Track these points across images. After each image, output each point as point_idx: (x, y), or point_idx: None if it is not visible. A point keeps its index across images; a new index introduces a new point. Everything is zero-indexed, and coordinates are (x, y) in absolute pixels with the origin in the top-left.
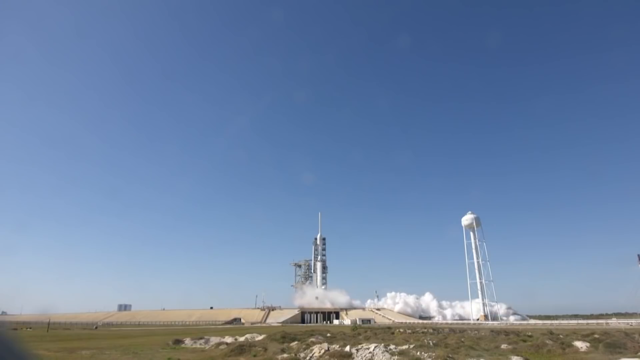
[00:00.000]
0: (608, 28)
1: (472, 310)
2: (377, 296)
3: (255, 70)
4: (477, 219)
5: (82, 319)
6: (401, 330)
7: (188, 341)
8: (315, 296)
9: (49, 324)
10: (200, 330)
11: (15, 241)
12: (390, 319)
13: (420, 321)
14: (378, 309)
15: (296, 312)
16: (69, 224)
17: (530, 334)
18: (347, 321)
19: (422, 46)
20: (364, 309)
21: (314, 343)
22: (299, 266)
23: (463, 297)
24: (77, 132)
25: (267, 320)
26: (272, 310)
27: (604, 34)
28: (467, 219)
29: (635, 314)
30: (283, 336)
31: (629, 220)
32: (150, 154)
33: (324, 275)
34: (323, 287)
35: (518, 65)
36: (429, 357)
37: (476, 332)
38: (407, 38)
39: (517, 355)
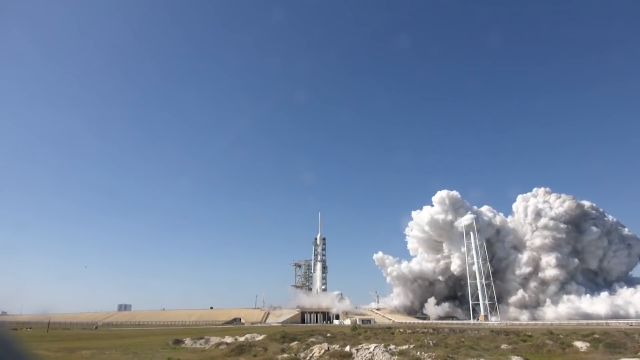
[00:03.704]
0: (609, 27)
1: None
2: (377, 296)
3: (255, 69)
4: (477, 219)
5: (82, 319)
6: (401, 330)
7: (188, 341)
8: (304, 300)
9: (49, 324)
10: (200, 330)
11: (15, 241)
12: (390, 319)
13: (421, 321)
14: (378, 309)
15: (296, 312)
16: (69, 224)
17: (530, 334)
18: (347, 321)
19: (422, 45)
20: (364, 309)
21: (314, 343)
22: (299, 266)
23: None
24: (77, 132)
25: (267, 320)
26: (272, 310)
27: (604, 33)
28: (467, 219)
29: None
30: (283, 336)
31: (629, 219)
32: (151, 154)
33: (324, 275)
34: (323, 287)
35: (519, 64)
36: (429, 357)
37: (476, 332)
38: (407, 37)
39: (517, 355)
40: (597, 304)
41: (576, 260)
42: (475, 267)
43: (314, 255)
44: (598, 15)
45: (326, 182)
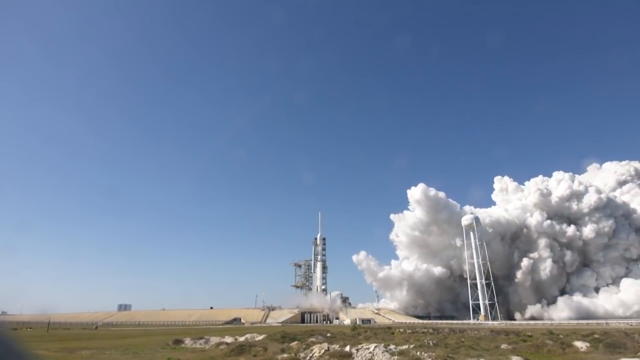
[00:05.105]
0: (609, 27)
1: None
2: (377, 296)
3: (255, 69)
4: (477, 219)
5: (82, 319)
6: (401, 330)
7: (188, 341)
8: (312, 299)
9: (49, 324)
10: (200, 330)
11: (15, 241)
12: (390, 319)
13: (421, 321)
14: (378, 309)
15: (296, 312)
16: (69, 224)
17: (530, 334)
18: (347, 321)
19: (422, 45)
20: (363, 309)
21: (314, 343)
22: (299, 266)
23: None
24: (77, 132)
25: (267, 320)
26: (272, 310)
27: (604, 32)
28: (467, 219)
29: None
30: (283, 336)
31: None
32: (151, 154)
33: (324, 275)
34: (323, 287)
35: (519, 63)
36: (429, 357)
37: (476, 332)
38: (407, 37)
39: (517, 355)
40: (562, 312)
41: (549, 261)
42: (475, 267)
43: (314, 255)
44: (598, 15)
45: (326, 182)
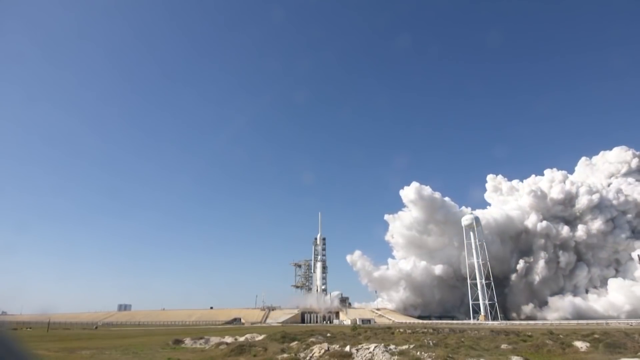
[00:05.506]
0: (609, 27)
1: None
2: (377, 296)
3: (255, 69)
4: (477, 219)
5: (82, 319)
6: (401, 330)
7: (188, 341)
8: (313, 299)
9: (49, 324)
10: (200, 330)
11: (15, 241)
12: (390, 319)
13: (421, 321)
14: (378, 309)
15: (296, 312)
16: (69, 224)
17: (530, 334)
18: (347, 321)
19: (422, 44)
20: (362, 309)
21: (314, 343)
22: (299, 266)
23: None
24: (77, 132)
25: (267, 320)
26: (272, 310)
27: (604, 32)
28: (467, 219)
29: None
30: (283, 336)
31: None
32: (151, 154)
33: (324, 275)
34: (323, 287)
35: (519, 62)
36: (429, 357)
37: (476, 332)
38: (407, 36)
39: (517, 355)
40: (555, 312)
41: (545, 262)
42: (475, 267)
43: (314, 255)
44: (598, 15)
45: (326, 182)
